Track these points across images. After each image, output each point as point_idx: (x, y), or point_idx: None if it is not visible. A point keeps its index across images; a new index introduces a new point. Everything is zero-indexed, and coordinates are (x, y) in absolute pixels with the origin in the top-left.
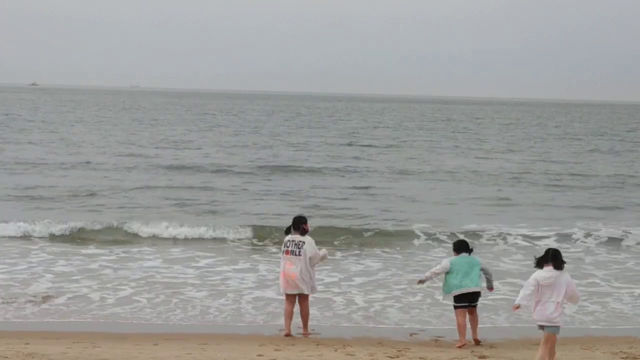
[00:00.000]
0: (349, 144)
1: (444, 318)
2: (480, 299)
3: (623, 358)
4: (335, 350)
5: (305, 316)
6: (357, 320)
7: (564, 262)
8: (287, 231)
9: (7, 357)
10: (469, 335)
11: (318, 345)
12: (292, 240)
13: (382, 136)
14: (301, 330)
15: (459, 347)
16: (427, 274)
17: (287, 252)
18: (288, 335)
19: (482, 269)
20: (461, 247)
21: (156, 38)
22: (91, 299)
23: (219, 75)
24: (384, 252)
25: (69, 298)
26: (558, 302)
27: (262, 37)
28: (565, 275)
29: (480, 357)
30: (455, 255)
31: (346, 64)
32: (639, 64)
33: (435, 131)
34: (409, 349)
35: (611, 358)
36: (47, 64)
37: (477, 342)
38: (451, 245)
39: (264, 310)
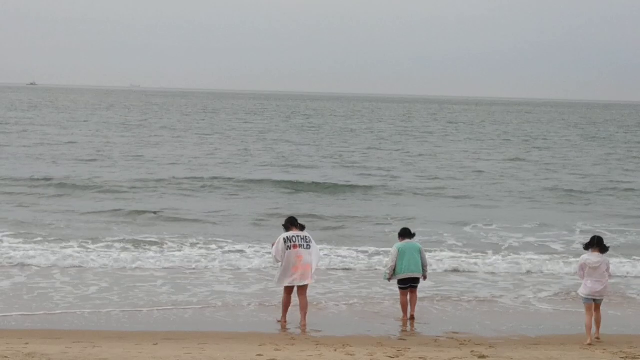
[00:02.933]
0: None
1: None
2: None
3: (623, 358)
4: (335, 350)
5: (305, 306)
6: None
7: (607, 248)
8: (286, 227)
9: (7, 357)
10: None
11: (318, 345)
12: (298, 236)
13: None
14: (296, 331)
15: (404, 320)
16: (388, 271)
17: (295, 246)
18: (284, 324)
19: (421, 256)
20: (406, 233)
21: (156, 38)
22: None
23: (219, 75)
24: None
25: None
26: (605, 279)
27: (262, 36)
28: (606, 258)
29: (480, 357)
30: (400, 241)
31: (346, 64)
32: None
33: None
34: (409, 349)
35: (611, 358)
36: (46, 63)
37: (413, 318)
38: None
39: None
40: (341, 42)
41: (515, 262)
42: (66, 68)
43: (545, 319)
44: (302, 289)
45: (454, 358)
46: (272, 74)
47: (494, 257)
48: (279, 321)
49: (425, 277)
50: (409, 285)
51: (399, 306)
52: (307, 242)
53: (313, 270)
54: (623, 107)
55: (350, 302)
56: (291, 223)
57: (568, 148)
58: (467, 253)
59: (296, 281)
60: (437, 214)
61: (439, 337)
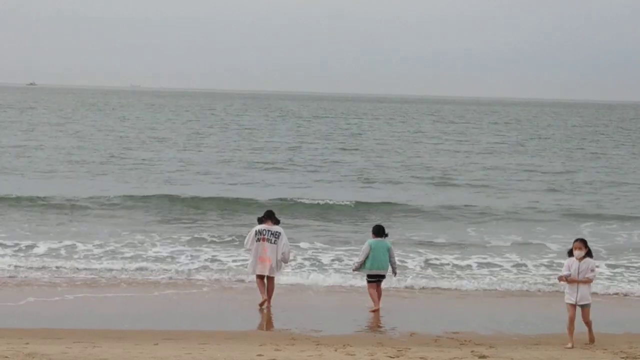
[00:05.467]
0: None
1: None
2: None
3: (623, 358)
4: (335, 350)
5: (271, 291)
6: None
7: (569, 249)
8: (260, 220)
9: (7, 357)
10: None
11: (318, 345)
12: (269, 230)
13: None
14: (296, 331)
15: (374, 311)
16: (357, 265)
17: (263, 239)
18: (264, 301)
19: (389, 255)
20: (379, 231)
21: (157, 37)
22: None
23: (220, 75)
24: None
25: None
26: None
27: (262, 35)
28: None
29: (480, 357)
30: (373, 237)
31: (346, 64)
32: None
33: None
34: (409, 349)
35: (611, 358)
36: (46, 63)
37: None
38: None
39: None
40: (341, 42)
41: (518, 262)
42: (66, 68)
43: (546, 318)
44: (269, 278)
45: (454, 358)
46: (271, 74)
47: (496, 258)
48: (260, 305)
49: (395, 274)
50: (376, 279)
51: (398, 307)
52: (275, 237)
53: (278, 264)
54: (624, 106)
55: (349, 300)
56: (267, 216)
57: None
58: (469, 253)
59: (259, 271)
60: None
61: (439, 337)
